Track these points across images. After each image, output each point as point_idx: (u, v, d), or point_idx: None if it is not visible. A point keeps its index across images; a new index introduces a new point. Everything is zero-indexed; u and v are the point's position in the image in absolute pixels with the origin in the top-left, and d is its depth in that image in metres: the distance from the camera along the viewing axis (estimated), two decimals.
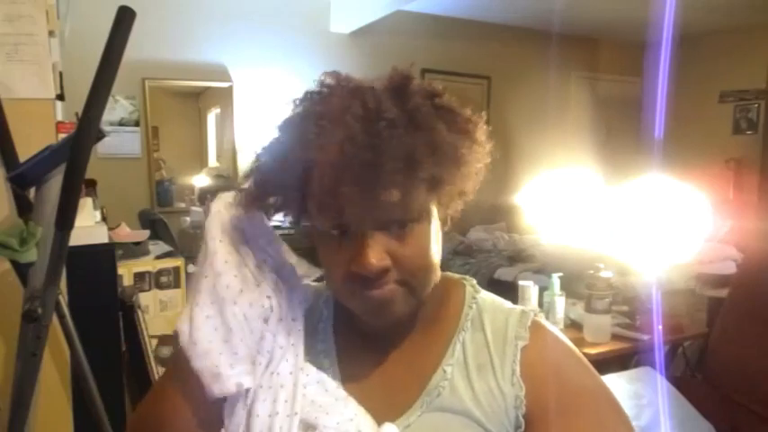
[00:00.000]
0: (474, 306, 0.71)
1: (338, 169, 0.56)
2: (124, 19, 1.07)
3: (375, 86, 0.61)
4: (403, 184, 0.57)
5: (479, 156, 0.64)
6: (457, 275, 0.76)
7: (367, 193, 0.56)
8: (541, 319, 0.70)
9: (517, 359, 0.65)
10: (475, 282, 0.75)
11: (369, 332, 0.71)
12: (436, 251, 0.64)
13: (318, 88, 0.63)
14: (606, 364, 2.08)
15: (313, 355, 0.70)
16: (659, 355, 2.03)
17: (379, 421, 0.64)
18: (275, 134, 0.64)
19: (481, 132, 0.65)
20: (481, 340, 0.68)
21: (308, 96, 0.64)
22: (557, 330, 0.70)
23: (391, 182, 0.56)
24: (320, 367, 0.68)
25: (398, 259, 0.60)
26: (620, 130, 5.82)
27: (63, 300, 1.33)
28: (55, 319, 1.28)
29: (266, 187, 0.63)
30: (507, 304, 0.73)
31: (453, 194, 0.65)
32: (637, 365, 2.06)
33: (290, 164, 0.60)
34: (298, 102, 0.64)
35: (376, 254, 0.59)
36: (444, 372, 0.66)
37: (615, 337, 2.17)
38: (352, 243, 0.60)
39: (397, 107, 0.58)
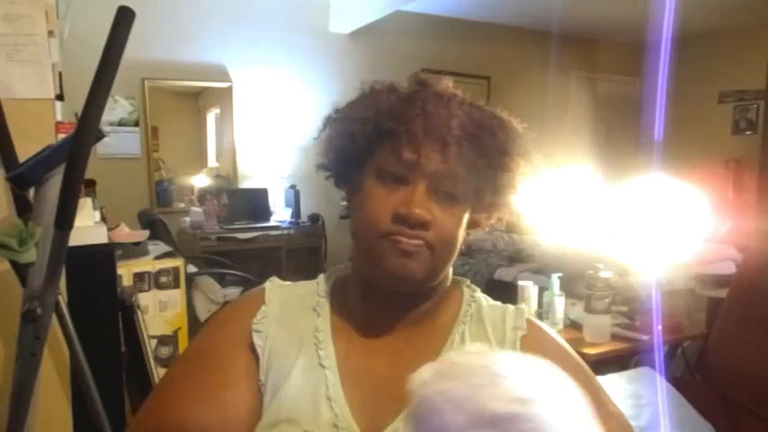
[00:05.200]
0: (473, 304, 0.74)
1: (434, 128, 0.66)
2: (124, 19, 1.07)
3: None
4: (472, 167, 0.67)
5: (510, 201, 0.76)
6: (455, 277, 0.78)
7: (442, 155, 0.65)
8: (533, 317, 0.75)
9: (517, 346, 0.69)
10: (469, 282, 0.78)
11: (368, 333, 0.72)
12: (459, 241, 0.70)
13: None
14: (606, 364, 2.08)
15: (314, 365, 0.70)
16: (659, 356, 2.02)
17: (380, 423, 0.65)
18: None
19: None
20: (482, 332, 0.71)
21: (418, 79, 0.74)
22: (549, 327, 0.76)
23: (465, 158, 0.66)
24: (321, 375, 0.68)
25: (435, 223, 0.66)
26: (620, 130, 5.82)
27: (62, 300, 1.32)
28: (54, 320, 1.28)
29: (331, 143, 0.72)
30: (501, 304, 0.77)
31: (490, 206, 0.74)
32: (636, 366, 2.06)
33: (358, 125, 0.69)
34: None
35: (423, 205, 0.65)
36: None
37: (615, 337, 2.17)
38: (402, 193, 0.66)
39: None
